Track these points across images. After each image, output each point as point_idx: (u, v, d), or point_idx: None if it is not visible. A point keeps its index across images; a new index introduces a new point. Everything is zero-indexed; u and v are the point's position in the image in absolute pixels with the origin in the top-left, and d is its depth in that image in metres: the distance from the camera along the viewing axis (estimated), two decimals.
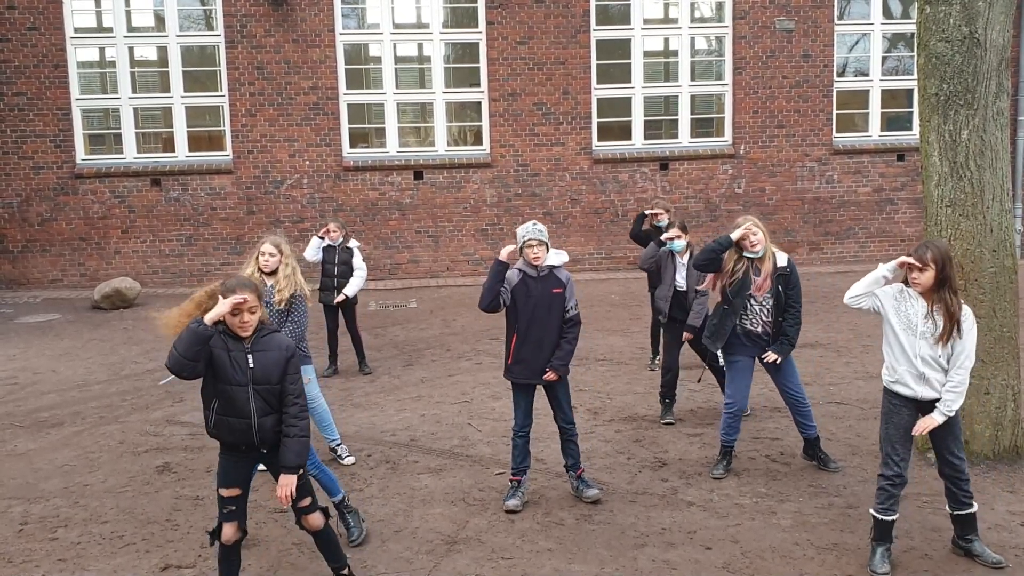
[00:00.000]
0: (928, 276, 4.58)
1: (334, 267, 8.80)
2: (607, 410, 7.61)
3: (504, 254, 5.41)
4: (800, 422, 6.17)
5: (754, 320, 5.99)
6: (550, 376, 5.63)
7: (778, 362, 5.97)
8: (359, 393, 8.31)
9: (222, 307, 4.07)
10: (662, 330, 7.62)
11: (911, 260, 4.60)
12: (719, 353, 6.28)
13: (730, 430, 6.11)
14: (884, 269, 4.73)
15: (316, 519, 4.45)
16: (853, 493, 5.73)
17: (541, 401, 5.78)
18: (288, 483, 4.20)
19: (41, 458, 6.74)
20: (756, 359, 6.09)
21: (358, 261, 8.86)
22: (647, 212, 8.85)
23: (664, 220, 8.60)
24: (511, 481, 5.71)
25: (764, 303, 5.96)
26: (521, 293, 5.56)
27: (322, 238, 8.85)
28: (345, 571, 4.59)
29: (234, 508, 4.32)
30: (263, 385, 4.19)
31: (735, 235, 5.85)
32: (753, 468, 6.22)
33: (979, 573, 4.71)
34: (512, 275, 5.57)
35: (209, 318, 4.06)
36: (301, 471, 4.30)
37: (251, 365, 4.18)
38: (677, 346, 7.37)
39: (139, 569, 4.94)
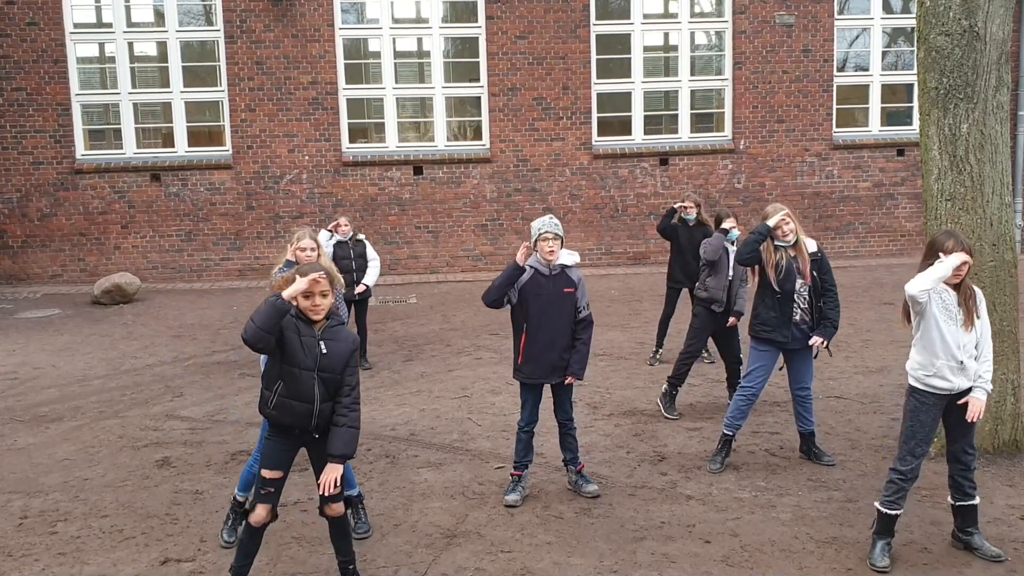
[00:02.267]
0: (968, 265, 4.64)
1: (351, 262, 8.79)
2: (606, 404, 7.61)
3: (520, 257, 5.38)
4: (800, 415, 6.20)
5: (795, 308, 6.01)
6: (570, 381, 5.64)
7: (825, 345, 5.98)
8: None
9: (300, 284, 4.18)
10: (695, 316, 7.58)
11: (967, 257, 4.58)
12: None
13: (738, 415, 6.11)
14: (948, 267, 4.59)
15: (339, 507, 4.48)
16: (853, 487, 5.74)
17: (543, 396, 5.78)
18: (334, 472, 4.28)
19: (41, 453, 6.74)
20: (781, 352, 6.10)
21: (371, 252, 8.94)
22: (676, 206, 8.84)
23: (692, 214, 8.66)
24: (512, 476, 5.71)
25: (802, 291, 5.99)
26: (531, 291, 5.51)
27: (331, 232, 8.84)
28: (352, 566, 4.59)
29: (272, 490, 4.37)
30: (328, 373, 4.28)
31: (772, 222, 5.88)
32: (752, 462, 6.22)
33: (978, 566, 4.71)
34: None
35: (287, 294, 4.16)
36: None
37: (323, 351, 4.27)
38: (708, 334, 7.46)
39: (139, 563, 4.95)
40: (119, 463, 6.49)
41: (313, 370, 4.25)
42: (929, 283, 4.63)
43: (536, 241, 5.51)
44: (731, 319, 7.37)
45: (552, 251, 5.48)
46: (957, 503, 4.87)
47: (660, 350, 8.98)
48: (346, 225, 8.84)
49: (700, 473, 6.03)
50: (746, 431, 6.77)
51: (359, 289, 8.74)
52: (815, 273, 5.97)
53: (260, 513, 4.36)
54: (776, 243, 5.96)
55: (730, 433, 6.15)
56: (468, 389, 8.16)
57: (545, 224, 5.50)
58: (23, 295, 13.23)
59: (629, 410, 7.45)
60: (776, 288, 5.96)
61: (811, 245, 6.03)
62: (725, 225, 7.45)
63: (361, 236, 9.02)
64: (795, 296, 5.97)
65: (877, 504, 4.82)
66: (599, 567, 4.79)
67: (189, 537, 5.24)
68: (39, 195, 13.90)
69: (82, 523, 5.46)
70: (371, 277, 8.83)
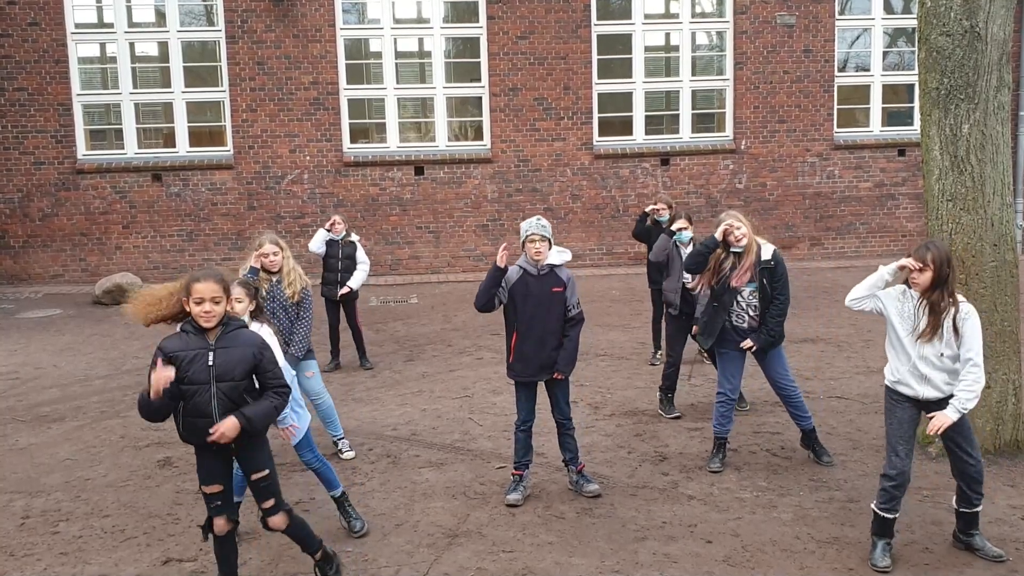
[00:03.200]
0: (927, 277, 4.58)
1: (338, 261, 8.83)
2: (608, 404, 7.62)
3: (500, 258, 5.39)
4: (794, 413, 6.18)
5: (740, 315, 6.00)
6: (558, 377, 5.64)
7: (753, 349, 5.97)
8: (360, 388, 8.32)
9: (157, 382, 3.94)
10: (665, 323, 7.63)
11: (910, 263, 4.60)
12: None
13: (723, 420, 6.11)
14: (885, 272, 4.73)
15: (279, 520, 4.38)
16: (854, 487, 5.74)
17: (542, 395, 5.78)
18: (229, 423, 4.04)
19: (42, 453, 6.75)
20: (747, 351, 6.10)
21: (361, 255, 8.91)
22: (648, 208, 8.87)
23: (665, 215, 8.66)
24: (513, 475, 5.72)
25: (750, 298, 5.97)
26: (520, 291, 5.53)
27: (328, 230, 8.87)
28: (319, 554, 4.57)
29: (220, 503, 4.29)
30: (226, 382, 4.08)
31: (717, 234, 5.89)
32: (754, 462, 6.22)
33: (980, 567, 4.71)
34: (512, 272, 5.54)
35: (153, 392, 3.97)
36: (267, 472, 4.31)
37: (210, 363, 4.07)
38: (682, 339, 7.41)
39: (140, 562, 4.96)
40: (121, 463, 6.49)
41: (208, 383, 4.06)
42: (861, 291, 4.80)
43: (524, 243, 5.53)
44: (695, 327, 7.15)
45: (539, 252, 5.49)
46: (960, 509, 4.85)
47: (659, 351, 8.98)
48: (340, 223, 8.89)
49: (701, 473, 6.03)
50: (747, 431, 6.77)
51: (343, 291, 8.76)
52: (764, 281, 5.91)
53: (219, 524, 4.29)
54: (732, 249, 5.94)
55: (722, 438, 6.16)
56: (469, 389, 8.16)
57: (532, 226, 5.51)
58: (24, 295, 13.24)
59: (630, 410, 7.46)
60: (711, 295, 6.04)
61: (766, 252, 5.96)
62: (674, 227, 7.42)
63: (353, 238, 9.01)
64: (735, 305, 5.96)
65: (873, 506, 4.80)
66: (600, 567, 4.79)
67: (191, 537, 5.24)
68: (40, 195, 13.90)
69: (84, 523, 5.47)
70: (357, 280, 8.82)
